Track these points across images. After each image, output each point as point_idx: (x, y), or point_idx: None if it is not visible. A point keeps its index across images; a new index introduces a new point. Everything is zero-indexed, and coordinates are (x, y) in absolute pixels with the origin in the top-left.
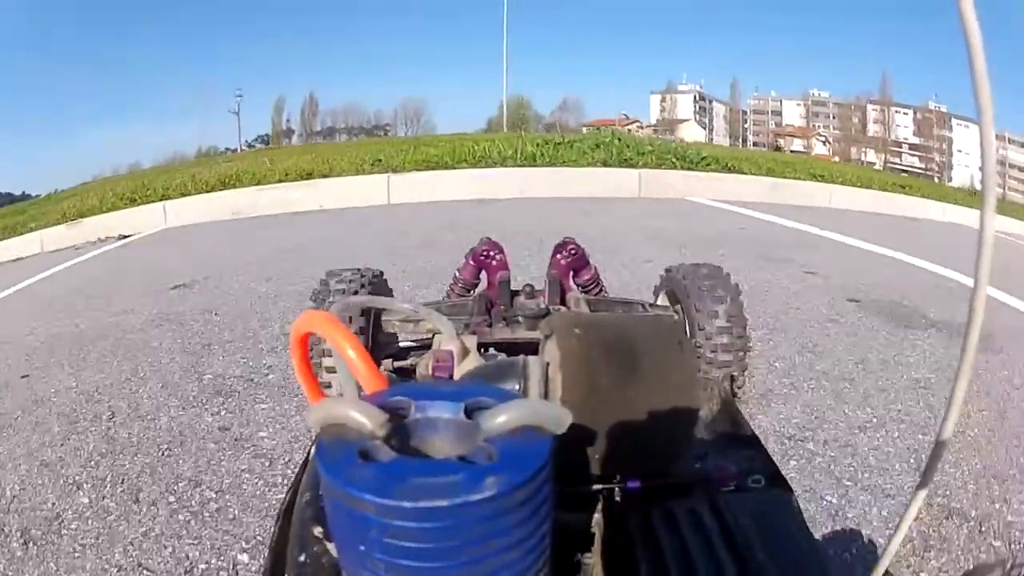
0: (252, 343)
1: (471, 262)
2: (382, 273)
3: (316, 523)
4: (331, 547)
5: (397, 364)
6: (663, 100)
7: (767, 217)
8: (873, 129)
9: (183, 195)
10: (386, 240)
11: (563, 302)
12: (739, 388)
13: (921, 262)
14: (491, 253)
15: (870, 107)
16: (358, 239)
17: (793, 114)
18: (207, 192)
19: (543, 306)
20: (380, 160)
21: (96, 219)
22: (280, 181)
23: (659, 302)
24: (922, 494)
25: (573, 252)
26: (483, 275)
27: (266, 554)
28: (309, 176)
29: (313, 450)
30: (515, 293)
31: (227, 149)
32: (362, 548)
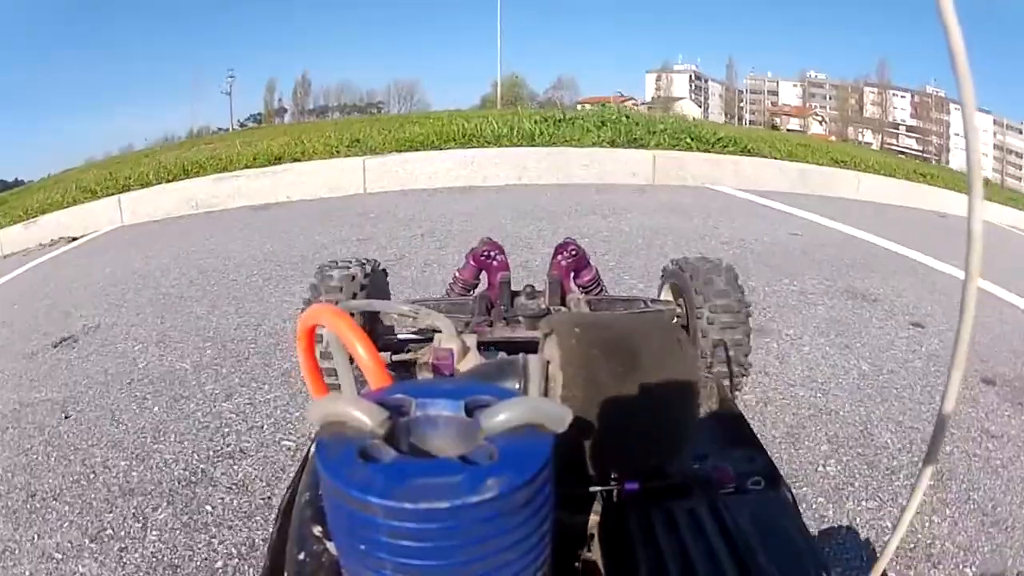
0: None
1: (471, 262)
2: (379, 264)
3: (315, 522)
4: (330, 546)
5: (396, 357)
6: (659, 79)
7: (812, 217)
8: (870, 111)
9: (143, 186)
10: (338, 254)
11: (563, 303)
12: (738, 389)
13: None
14: (491, 253)
15: (867, 89)
16: (307, 250)
17: (790, 94)
18: (168, 182)
19: (544, 307)
20: (358, 141)
21: (54, 216)
22: (247, 167)
23: (662, 296)
24: (919, 496)
25: (574, 253)
26: (483, 275)
27: (265, 553)
28: (279, 160)
29: (313, 448)
30: (515, 294)
31: (219, 129)
32: (362, 548)
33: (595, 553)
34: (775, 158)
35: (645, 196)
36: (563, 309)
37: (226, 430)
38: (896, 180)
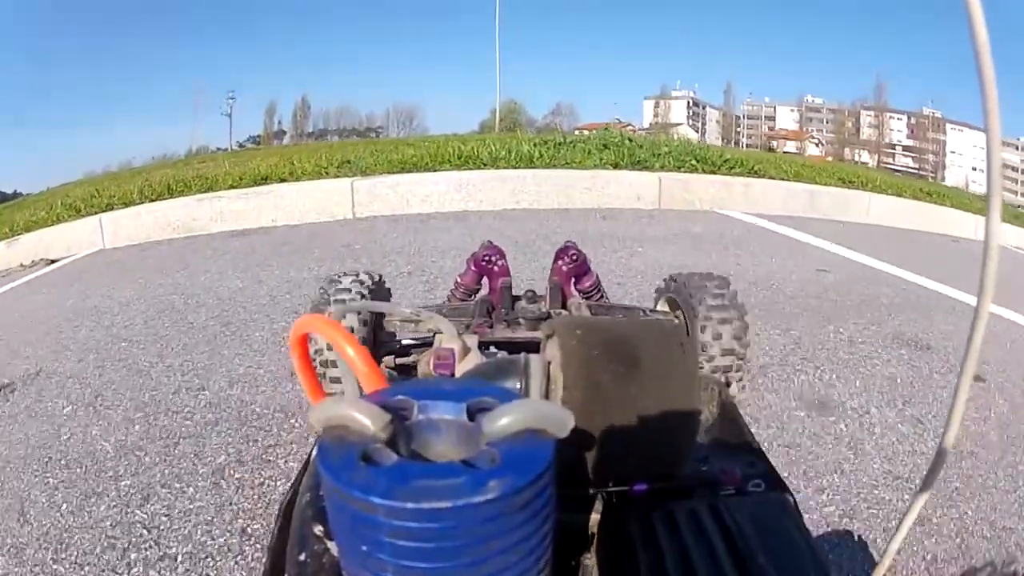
0: None
1: (472, 267)
2: (381, 277)
3: (317, 522)
4: (332, 546)
5: (399, 361)
6: (657, 105)
7: (832, 248)
8: (867, 133)
9: (126, 205)
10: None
11: (564, 307)
12: (735, 396)
13: None
14: (493, 258)
15: (864, 113)
16: (277, 290)
17: (787, 119)
18: (152, 201)
19: (544, 311)
20: (348, 162)
21: (38, 235)
22: (232, 187)
23: (658, 307)
24: (921, 499)
25: (575, 258)
26: (484, 280)
27: (265, 553)
28: (265, 180)
29: (314, 451)
30: (516, 298)
31: (218, 149)
32: (364, 549)
33: (596, 554)
34: (782, 179)
35: (654, 223)
36: (564, 313)
37: (132, 555)
38: (904, 200)
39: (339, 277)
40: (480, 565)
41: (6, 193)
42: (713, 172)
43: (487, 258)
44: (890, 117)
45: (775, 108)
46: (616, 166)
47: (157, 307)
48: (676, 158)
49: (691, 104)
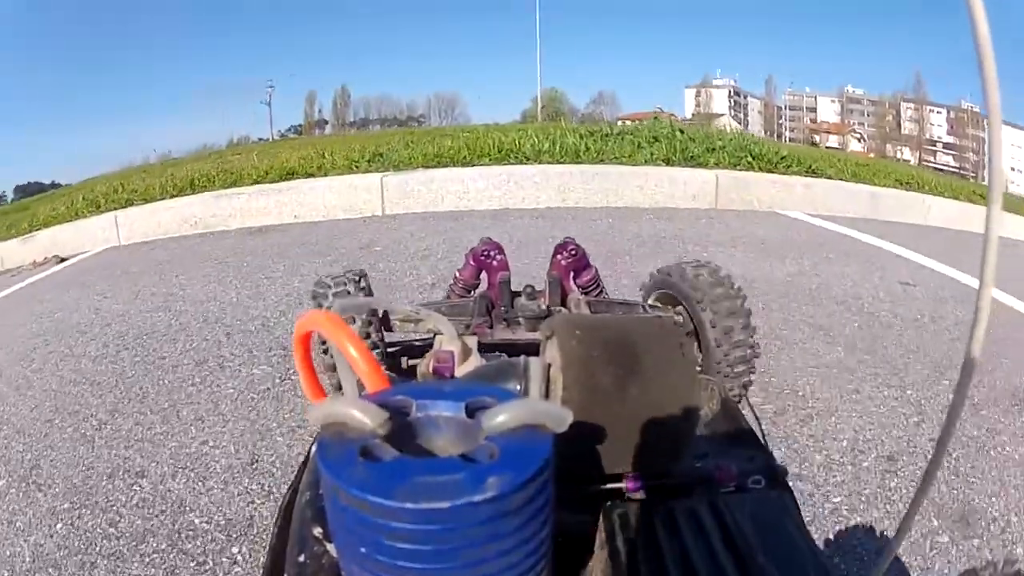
0: None
1: (471, 262)
2: (365, 273)
3: (316, 523)
4: (331, 547)
5: (411, 362)
6: (698, 94)
7: (909, 255)
8: (907, 127)
9: (146, 200)
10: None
11: (564, 303)
12: (741, 394)
13: None
14: (491, 253)
15: (904, 105)
16: (275, 307)
17: (828, 110)
18: (172, 196)
19: (544, 307)
20: (380, 155)
21: (52, 231)
22: (257, 182)
23: (650, 302)
24: (922, 499)
25: (573, 253)
26: (483, 275)
27: (265, 553)
28: (292, 175)
29: (314, 448)
30: (516, 294)
31: (260, 139)
32: (363, 550)
33: (595, 553)
34: (840, 179)
35: (714, 225)
36: (563, 310)
37: None
38: (960, 203)
39: (332, 276)
40: (480, 564)
41: (43, 184)
42: (771, 170)
43: (485, 252)
44: (930, 111)
45: (816, 98)
46: (668, 162)
47: (137, 330)
48: (731, 154)
49: (732, 93)
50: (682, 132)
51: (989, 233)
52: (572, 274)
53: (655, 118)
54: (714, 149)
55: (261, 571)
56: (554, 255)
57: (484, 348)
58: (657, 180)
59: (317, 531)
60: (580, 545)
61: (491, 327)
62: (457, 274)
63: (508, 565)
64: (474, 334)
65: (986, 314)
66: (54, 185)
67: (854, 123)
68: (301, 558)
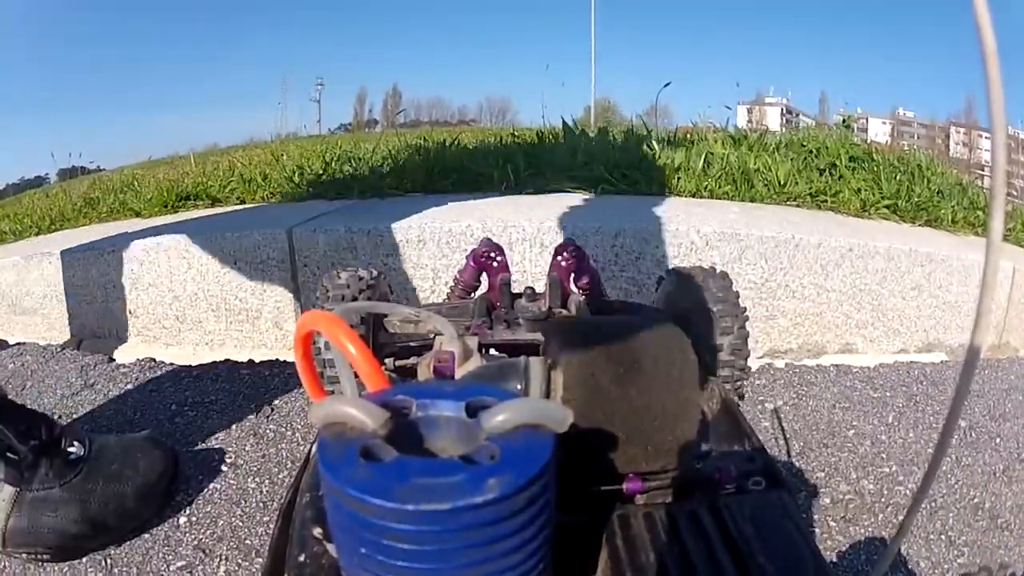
0: None
1: (472, 264)
2: (381, 274)
3: (316, 523)
4: (331, 548)
5: (398, 363)
6: (750, 111)
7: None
8: (955, 150)
9: (137, 214)
10: None
11: (564, 305)
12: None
13: None
14: (492, 255)
15: (954, 129)
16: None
17: (879, 131)
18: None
19: (544, 308)
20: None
21: (28, 242)
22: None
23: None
24: (922, 499)
25: (574, 254)
26: (483, 277)
27: (265, 554)
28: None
29: (314, 448)
30: (516, 295)
31: (309, 136)
32: (363, 551)
33: (595, 554)
34: None
35: None
36: (564, 311)
37: None
38: None
39: (337, 273)
40: (480, 565)
41: (88, 168)
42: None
43: (486, 254)
44: (978, 136)
45: (867, 119)
46: (895, 210)
47: None
48: (971, 200)
49: (784, 111)
50: (919, 166)
51: (991, 234)
52: (573, 275)
53: (844, 124)
54: (944, 192)
55: (261, 571)
56: (554, 256)
57: (484, 348)
58: (887, 259)
59: (317, 531)
60: (580, 546)
61: (491, 328)
62: (457, 275)
63: (508, 566)
64: (474, 335)
65: (989, 308)
66: (99, 169)
67: (904, 146)
68: (301, 558)
